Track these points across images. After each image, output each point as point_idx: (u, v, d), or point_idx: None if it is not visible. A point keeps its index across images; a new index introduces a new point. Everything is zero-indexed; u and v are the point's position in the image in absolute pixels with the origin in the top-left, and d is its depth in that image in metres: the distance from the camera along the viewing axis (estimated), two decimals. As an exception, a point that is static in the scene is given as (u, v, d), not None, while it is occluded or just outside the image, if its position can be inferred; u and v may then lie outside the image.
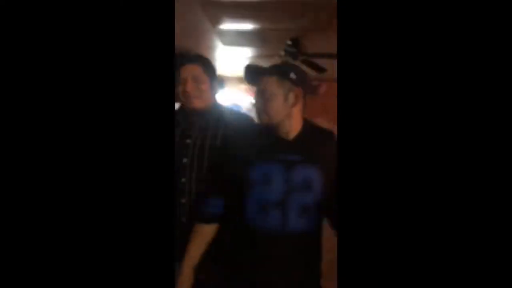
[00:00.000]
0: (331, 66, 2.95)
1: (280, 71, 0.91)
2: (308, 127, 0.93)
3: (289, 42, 2.65)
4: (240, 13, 2.17)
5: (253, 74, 0.94)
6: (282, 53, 2.75)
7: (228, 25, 2.49)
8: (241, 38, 2.87)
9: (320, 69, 2.94)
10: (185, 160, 1.07)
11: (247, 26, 2.50)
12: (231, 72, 4.33)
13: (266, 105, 0.88)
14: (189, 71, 1.08)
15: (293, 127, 0.91)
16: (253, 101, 0.94)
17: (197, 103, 1.09)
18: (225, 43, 2.98)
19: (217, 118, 1.14)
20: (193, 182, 1.07)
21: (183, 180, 1.08)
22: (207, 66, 1.17)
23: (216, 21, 2.39)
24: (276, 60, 2.93)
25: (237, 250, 0.93)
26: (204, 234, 0.94)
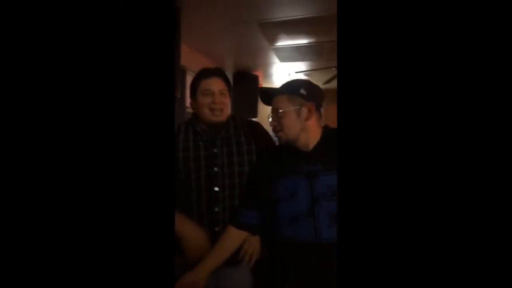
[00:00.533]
0: None
1: (290, 88, 0.91)
2: (328, 135, 0.92)
3: None
4: (296, 29, 2.21)
5: (266, 96, 0.96)
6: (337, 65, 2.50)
7: (284, 42, 2.56)
8: (297, 53, 2.94)
9: None
10: (215, 169, 1.05)
11: (303, 41, 2.54)
12: None
13: (280, 123, 0.88)
14: (216, 85, 1.06)
15: (310, 139, 0.89)
16: (270, 120, 0.95)
17: (222, 116, 1.08)
18: (282, 59, 3.11)
19: (236, 127, 1.16)
20: (226, 189, 1.05)
21: (216, 189, 1.04)
22: (227, 80, 1.17)
23: (273, 39, 2.47)
24: (332, 72, 2.89)
25: (271, 260, 0.91)
26: (234, 239, 0.92)
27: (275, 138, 0.98)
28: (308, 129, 0.88)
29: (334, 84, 3.33)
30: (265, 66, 3.54)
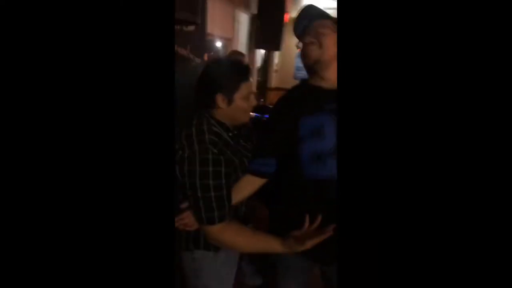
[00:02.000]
0: None
1: (330, 16, 0.87)
2: None
3: None
4: None
5: (310, 15, 0.87)
6: None
7: None
8: None
9: None
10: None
11: None
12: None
13: (320, 41, 0.83)
14: (249, 88, 0.93)
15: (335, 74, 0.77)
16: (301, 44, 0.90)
17: (248, 118, 0.99)
18: None
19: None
20: None
21: None
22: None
23: None
24: None
25: (291, 198, 0.88)
26: (251, 184, 0.89)
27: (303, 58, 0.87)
28: (334, 62, 0.81)
29: None
30: None
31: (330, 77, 0.83)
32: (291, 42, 5.33)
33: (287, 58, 5.14)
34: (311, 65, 0.85)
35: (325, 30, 0.83)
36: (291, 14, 4.15)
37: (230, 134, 0.89)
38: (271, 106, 1.44)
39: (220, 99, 0.84)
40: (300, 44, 0.87)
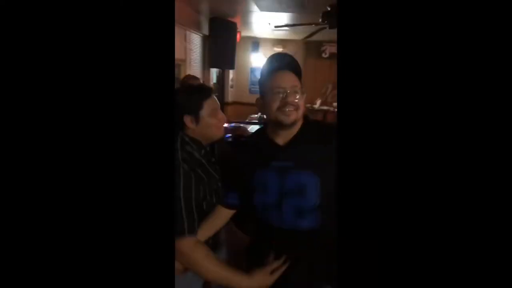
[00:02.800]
0: None
1: (299, 70, 0.85)
2: (305, 128, 0.86)
3: (328, 9, 2.69)
4: None
5: (288, 64, 0.84)
6: (319, 20, 2.77)
7: None
8: (277, 4, 2.89)
9: None
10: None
11: None
12: (267, 34, 4.51)
13: (298, 101, 0.82)
14: (213, 105, 0.93)
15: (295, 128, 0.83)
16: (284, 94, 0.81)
17: (221, 132, 0.97)
18: (262, 8, 3.24)
19: None
20: None
21: None
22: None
23: None
24: (312, 28, 3.40)
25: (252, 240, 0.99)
26: (221, 217, 0.94)
27: (283, 116, 0.80)
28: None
29: (313, 38, 3.36)
30: (244, 14, 2.91)
31: (285, 135, 0.83)
32: (244, 60, 5.58)
33: (241, 75, 5.36)
34: (269, 118, 0.83)
35: (298, 86, 0.81)
36: (243, 33, 4.35)
37: (203, 151, 0.94)
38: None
39: (188, 120, 0.90)
40: (260, 101, 0.85)
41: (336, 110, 2.66)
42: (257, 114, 3.63)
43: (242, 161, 0.92)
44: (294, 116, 0.79)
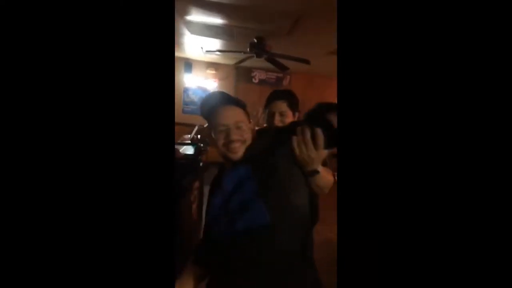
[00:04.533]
0: (291, 66, 3.41)
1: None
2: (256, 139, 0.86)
3: (255, 40, 3.01)
4: (208, 8, 2.29)
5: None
6: (247, 49, 3.06)
7: (195, 17, 2.59)
8: (208, 30, 3.11)
9: (283, 68, 3.49)
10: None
11: (215, 20, 2.73)
12: (199, 57, 4.61)
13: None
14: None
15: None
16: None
17: (241, 152, 0.87)
18: (192, 32, 3.33)
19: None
20: None
21: None
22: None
23: (183, 11, 2.43)
24: (241, 56, 3.63)
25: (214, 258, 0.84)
26: None
27: (230, 153, 0.80)
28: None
29: (244, 64, 3.57)
30: (176, 35, 2.98)
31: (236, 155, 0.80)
32: (177, 80, 5.52)
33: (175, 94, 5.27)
34: (218, 151, 0.82)
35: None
36: (175, 53, 4.34)
37: None
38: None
39: None
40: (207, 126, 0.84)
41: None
42: (189, 134, 3.64)
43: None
44: (241, 151, 0.79)
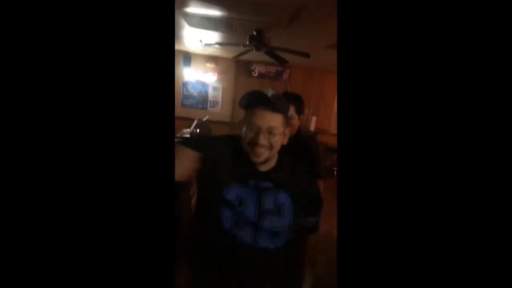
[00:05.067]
0: (290, 59, 3.37)
1: (284, 108, 0.81)
2: (284, 159, 0.87)
3: (254, 33, 2.94)
4: (207, 0, 2.22)
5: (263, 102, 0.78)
6: (247, 42, 3.01)
7: (194, 9, 2.52)
8: (207, 23, 3.04)
9: (282, 61, 3.44)
10: None
11: (214, 12, 2.52)
12: (199, 50, 4.53)
13: (271, 141, 0.79)
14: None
15: (273, 159, 0.83)
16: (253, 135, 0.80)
17: (264, 157, 0.80)
18: (191, 24, 3.30)
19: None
20: None
21: None
22: (299, 106, 1.15)
23: (182, 4, 2.39)
24: (240, 49, 3.60)
25: (212, 258, 0.85)
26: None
27: (252, 154, 0.79)
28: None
29: (243, 57, 3.54)
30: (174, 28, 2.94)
31: (260, 157, 0.79)
32: (176, 73, 5.51)
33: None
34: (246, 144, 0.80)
35: (279, 128, 0.77)
36: (175, 46, 4.35)
37: None
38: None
39: None
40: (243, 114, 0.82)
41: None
42: (188, 128, 3.62)
43: (218, 173, 0.81)
44: (264, 156, 0.78)
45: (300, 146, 1.25)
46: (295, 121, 1.28)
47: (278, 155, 0.84)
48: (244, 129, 0.79)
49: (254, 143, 0.76)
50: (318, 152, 1.39)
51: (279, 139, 0.79)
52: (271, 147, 0.78)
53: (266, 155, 0.78)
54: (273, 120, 0.77)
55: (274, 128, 0.77)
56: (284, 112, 0.79)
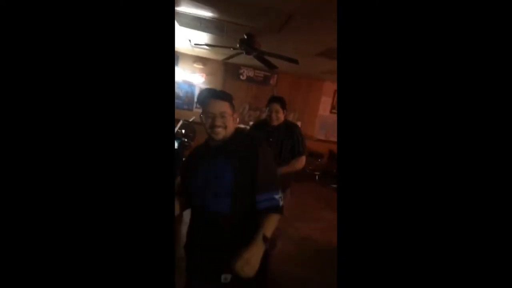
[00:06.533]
0: (279, 65, 3.46)
1: (229, 98, 1.07)
2: (237, 134, 1.09)
3: (244, 37, 3.01)
4: (199, 0, 2.24)
5: (213, 96, 1.06)
6: (237, 45, 3.06)
7: (185, 9, 2.51)
8: (197, 23, 3.05)
9: (271, 66, 3.50)
10: None
11: (205, 13, 2.52)
12: (187, 50, 4.53)
13: (224, 122, 1.01)
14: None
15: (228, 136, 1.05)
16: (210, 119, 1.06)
17: (222, 135, 1.07)
18: (181, 24, 3.25)
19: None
20: None
21: None
22: (283, 104, 1.85)
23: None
24: (230, 52, 3.58)
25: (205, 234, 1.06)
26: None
27: (213, 134, 1.05)
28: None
29: (232, 60, 3.56)
30: None
31: (220, 136, 1.04)
32: (162, 72, 5.43)
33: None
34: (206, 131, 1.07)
35: (228, 112, 1.02)
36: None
37: None
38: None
39: None
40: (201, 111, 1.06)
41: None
42: (177, 124, 3.56)
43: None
44: (222, 134, 1.03)
45: (285, 129, 1.97)
46: (281, 114, 1.96)
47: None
48: (204, 117, 1.04)
49: (213, 125, 1.01)
50: (300, 133, 2.01)
51: (230, 120, 1.04)
52: (225, 127, 1.02)
53: (223, 134, 1.03)
54: (222, 106, 1.02)
55: (225, 112, 1.02)
56: (228, 100, 1.04)
